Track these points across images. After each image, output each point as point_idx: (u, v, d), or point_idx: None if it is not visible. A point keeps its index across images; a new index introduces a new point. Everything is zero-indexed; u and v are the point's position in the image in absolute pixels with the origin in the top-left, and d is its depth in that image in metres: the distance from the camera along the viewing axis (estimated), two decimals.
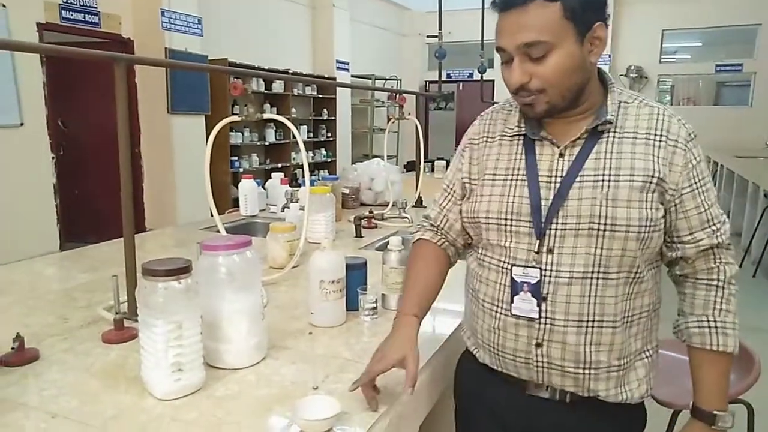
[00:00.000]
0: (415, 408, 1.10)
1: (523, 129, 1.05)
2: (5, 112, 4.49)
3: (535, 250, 0.99)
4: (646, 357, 1.05)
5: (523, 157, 1.03)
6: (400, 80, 10.11)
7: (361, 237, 2.28)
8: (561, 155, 1.00)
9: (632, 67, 9.93)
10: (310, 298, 1.34)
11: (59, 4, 4.85)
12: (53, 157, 4.92)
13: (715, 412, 1.02)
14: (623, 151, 0.97)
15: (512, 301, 1.01)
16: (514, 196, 1.02)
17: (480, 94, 6.25)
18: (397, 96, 2.88)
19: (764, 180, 5.16)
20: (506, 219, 1.02)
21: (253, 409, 0.96)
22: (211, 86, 5.93)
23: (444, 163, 4.45)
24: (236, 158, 6.74)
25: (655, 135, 0.97)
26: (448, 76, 10.59)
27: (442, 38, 3.77)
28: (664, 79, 10.18)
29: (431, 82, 10.96)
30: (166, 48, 5.39)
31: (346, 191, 2.88)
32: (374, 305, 1.38)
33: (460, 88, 10.93)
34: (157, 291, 0.95)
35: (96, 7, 5.18)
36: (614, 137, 0.98)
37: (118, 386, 1.02)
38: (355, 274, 1.40)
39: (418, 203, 2.95)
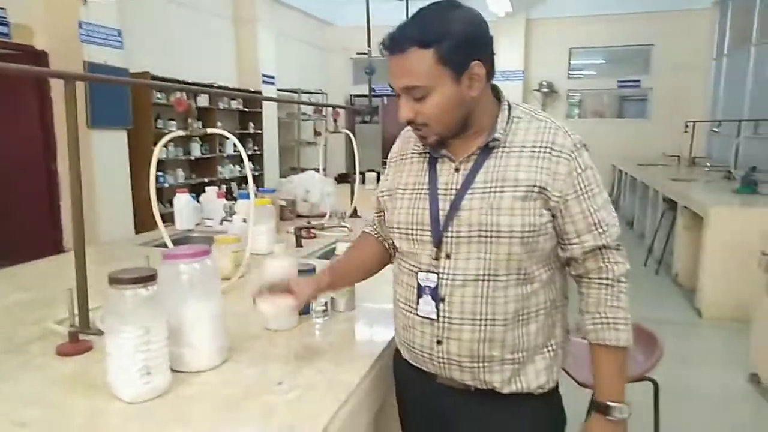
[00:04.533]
0: (373, 392, 1.20)
1: (428, 147, 1.16)
2: None
3: (434, 257, 1.10)
4: (548, 351, 1.14)
5: (427, 172, 1.15)
6: (326, 94, 10.21)
7: (301, 247, 2.35)
8: (457, 170, 1.11)
9: (544, 83, 10.60)
10: None
11: None
12: None
13: (608, 403, 1.09)
14: (509, 165, 1.07)
15: (418, 303, 1.13)
16: (417, 207, 1.14)
17: None
18: (332, 110, 2.99)
19: (662, 186, 5.69)
20: (412, 229, 1.14)
21: (219, 405, 1.02)
22: (132, 99, 5.76)
23: (374, 174, 4.58)
24: (161, 173, 6.55)
25: (541, 147, 1.07)
26: (373, 90, 10.83)
27: (371, 54, 3.92)
28: (572, 93, 10.94)
29: (356, 96, 11.14)
30: (84, 61, 5.18)
31: (283, 203, 2.94)
32: (324, 308, 1.46)
33: (385, 102, 11.18)
34: (124, 298, 0.99)
35: (5, 17, 4.91)
36: (503, 152, 1.09)
37: (81, 394, 1.05)
38: None
39: (354, 214, 3.06)
